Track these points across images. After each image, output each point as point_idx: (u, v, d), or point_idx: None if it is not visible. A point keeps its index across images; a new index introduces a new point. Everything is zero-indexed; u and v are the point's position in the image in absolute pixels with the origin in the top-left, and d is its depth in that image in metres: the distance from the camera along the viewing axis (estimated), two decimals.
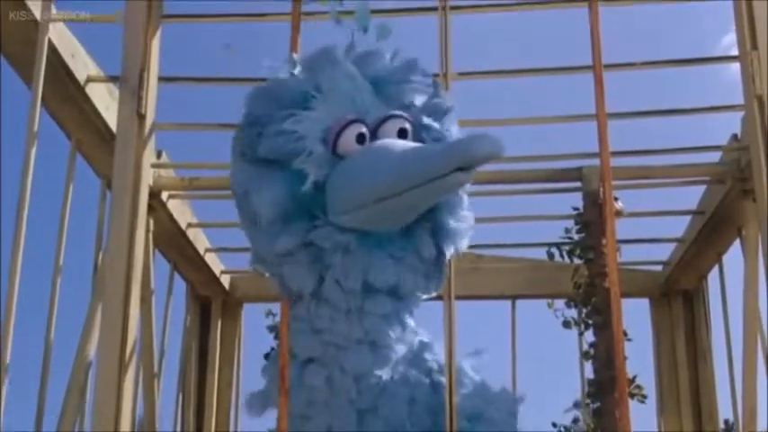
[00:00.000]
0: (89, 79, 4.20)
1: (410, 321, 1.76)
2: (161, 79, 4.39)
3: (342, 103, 1.69)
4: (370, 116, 1.69)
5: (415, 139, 1.71)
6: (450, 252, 1.84)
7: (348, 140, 1.66)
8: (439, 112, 1.80)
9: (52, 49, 3.86)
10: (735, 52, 4.17)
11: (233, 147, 1.86)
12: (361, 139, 1.66)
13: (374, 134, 1.68)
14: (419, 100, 1.78)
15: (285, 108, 1.71)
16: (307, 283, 1.71)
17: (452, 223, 1.82)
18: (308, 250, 1.67)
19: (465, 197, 1.92)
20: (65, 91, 4.12)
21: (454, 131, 1.83)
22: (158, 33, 4.17)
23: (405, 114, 1.73)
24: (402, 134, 1.69)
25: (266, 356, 4.81)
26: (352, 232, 1.64)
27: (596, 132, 1.97)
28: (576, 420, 4.76)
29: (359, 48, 1.86)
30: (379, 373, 1.62)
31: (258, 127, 1.73)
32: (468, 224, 1.88)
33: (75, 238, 4.56)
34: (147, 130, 4.07)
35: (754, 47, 3.87)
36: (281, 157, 1.68)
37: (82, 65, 4.16)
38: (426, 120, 1.76)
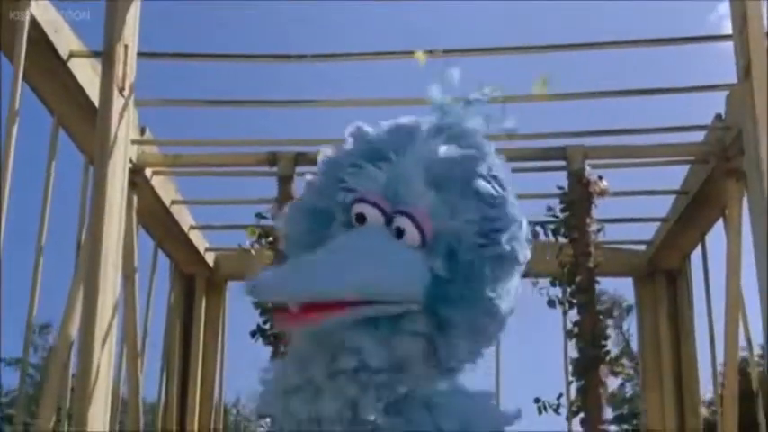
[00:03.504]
0: (72, 54, 4.15)
1: None
2: (143, 54, 4.36)
3: (394, 179, 1.64)
4: (398, 204, 1.61)
5: (445, 249, 1.58)
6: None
7: (353, 213, 1.62)
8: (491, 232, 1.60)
9: (34, 25, 3.81)
10: (720, 30, 4.17)
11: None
12: (360, 219, 1.62)
13: (389, 221, 1.61)
14: (473, 216, 1.58)
15: (357, 156, 1.67)
16: None
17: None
18: None
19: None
20: (47, 66, 4.08)
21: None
22: (138, 8, 4.12)
23: (415, 216, 1.59)
24: (399, 234, 1.59)
25: (252, 334, 4.82)
26: None
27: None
28: (560, 396, 4.78)
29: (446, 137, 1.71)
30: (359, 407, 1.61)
31: (329, 167, 1.70)
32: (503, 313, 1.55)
33: (59, 215, 4.54)
34: (129, 105, 4.04)
35: None
36: (329, 198, 1.65)
37: (65, 40, 4.12)
38: (472, 254, 1.56)
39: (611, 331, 4.69)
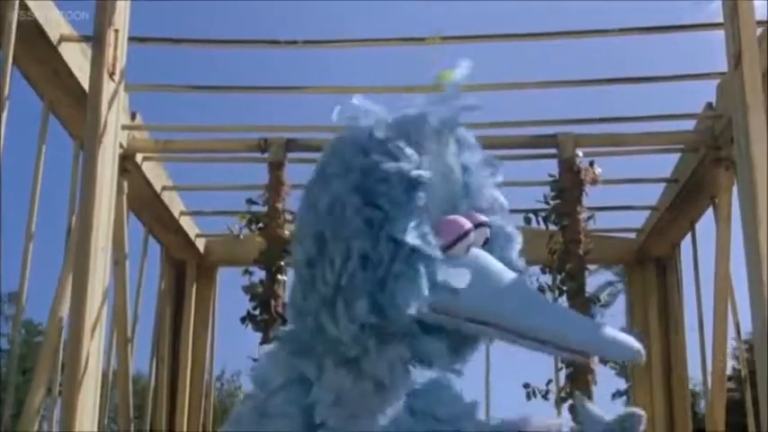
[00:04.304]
0: (62, 39, 4.13)
1: None
2: (134, 39, 4.34)
3: (446, 191, 1.59)
4: (461, 212, 1.60)
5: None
6: None
7: (461, 249, 1.55)
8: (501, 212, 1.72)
9: (24, 9, 3.79)
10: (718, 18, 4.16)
11: (313, 195, 1.53)
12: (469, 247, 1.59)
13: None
14: (487, 203, 1.67)
15: (389, 189, 1.49)
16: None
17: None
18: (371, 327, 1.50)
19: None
20: (37, 51, 4.06)
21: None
22: None
23: (488, 222, 1.64)
24: (485, 243, 1.62)
25: (242, 320, 4.82)
26: (418, 322, 1.51)
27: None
28: (549, 382, 4.81)
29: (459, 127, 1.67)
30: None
31: (357, 195, 1.49)
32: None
33: (49, 200, 4.52)
34: (119, 90, 4.03)
35: None
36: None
37: (55, 24, 4.10)
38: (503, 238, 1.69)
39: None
